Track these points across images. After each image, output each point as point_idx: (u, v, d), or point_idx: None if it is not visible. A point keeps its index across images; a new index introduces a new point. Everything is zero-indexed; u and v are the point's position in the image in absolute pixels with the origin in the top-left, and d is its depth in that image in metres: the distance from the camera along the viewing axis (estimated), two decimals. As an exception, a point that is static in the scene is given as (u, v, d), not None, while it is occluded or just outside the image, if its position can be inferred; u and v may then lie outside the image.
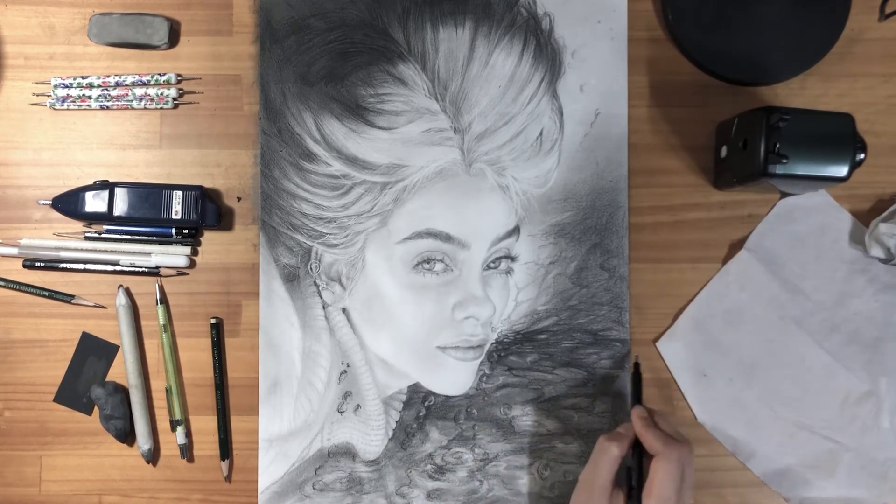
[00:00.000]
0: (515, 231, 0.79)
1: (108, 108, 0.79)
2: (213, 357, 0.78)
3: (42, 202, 0.78)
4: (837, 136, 0.70)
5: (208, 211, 0.77)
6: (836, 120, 0.71)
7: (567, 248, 0.79)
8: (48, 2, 0.79)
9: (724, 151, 0.77)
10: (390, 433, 0.78)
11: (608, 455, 0.69)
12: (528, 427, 0.79)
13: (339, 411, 0.78)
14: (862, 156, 0.72)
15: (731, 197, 0.79)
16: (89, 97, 0.78)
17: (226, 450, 0.78)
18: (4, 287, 0.78)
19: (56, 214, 0.78)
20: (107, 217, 0.77)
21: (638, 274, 0.79)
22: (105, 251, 0.78)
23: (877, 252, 0.77)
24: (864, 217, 0.79)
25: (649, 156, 0.80)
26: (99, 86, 0.79)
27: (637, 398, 0.75)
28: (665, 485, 0.66)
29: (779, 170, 0.69)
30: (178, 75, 0.79)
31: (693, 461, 0.69)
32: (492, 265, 0.79)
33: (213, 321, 0.78)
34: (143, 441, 0.77)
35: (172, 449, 0.78)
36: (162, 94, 0.79)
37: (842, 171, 0.70)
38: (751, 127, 0.72)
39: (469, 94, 0.78)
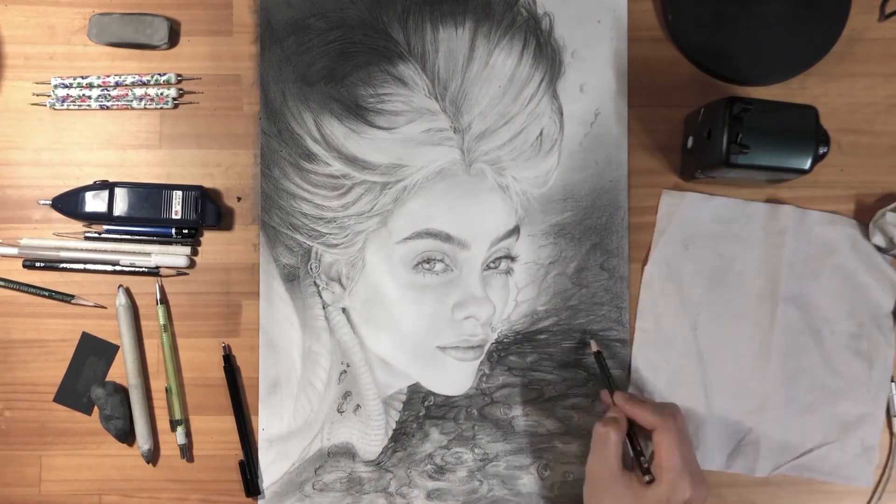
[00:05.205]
0: (515, 231, 0.79)
1: (108, 108, 0.79)
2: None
3: (42, 202, 0.78)
4: (801, 128, 0.70)
5: (208, 211, 0.77)
6: (800, 112, 0.71)
7: (567, 248, 0.79)
8: (48, 2, 0.79)
9: (690, 142, 0.77)
10: (390, 433, 0.78)
11: (610, 441, 0.70)
12: (528, 427, 0.79)
13: (339, 411, 0.78)
14: (825, 149, 0.71)
15: (731, 197, 0.79)
16: (89, 97, 0.78)
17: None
18: (4, 287, 0.78)
19: (56, 214, 0.78)
20: (107, 217, 0.77)
21: (638, 274, 0.79)
22: (105, 251, 0.78)
23: (878, 240, 0.77)
24: (864, 216, 0.79)
25: (649, 156, 0.80)
26: (99, 86, 0.79)
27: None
28: (672, 452, 0.68)
29: (741, 160, 0.69)
30: (178, 75, 0.79)
31: (685, 423, 0.71)
32: (492, 265, 0.79)
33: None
34: (142, 441, 0.77)
35: (172, 449, 0.78)
36: (162, 94, 0.79)
37: (804, 163, 0.70)
38: (715, 117, 0.71)
39: (469, 94, 0.78)
